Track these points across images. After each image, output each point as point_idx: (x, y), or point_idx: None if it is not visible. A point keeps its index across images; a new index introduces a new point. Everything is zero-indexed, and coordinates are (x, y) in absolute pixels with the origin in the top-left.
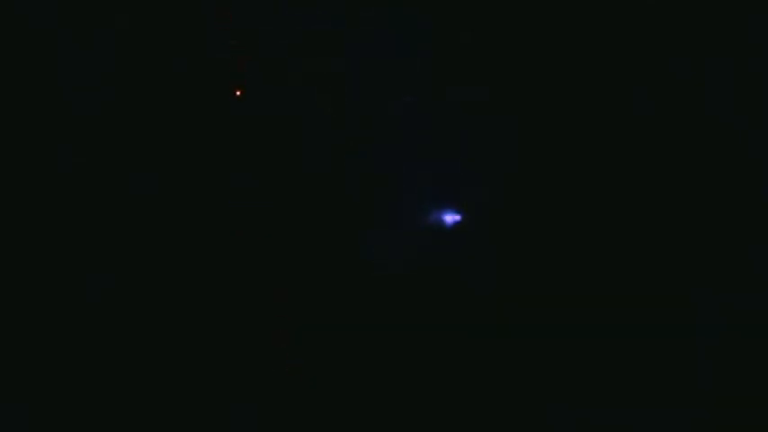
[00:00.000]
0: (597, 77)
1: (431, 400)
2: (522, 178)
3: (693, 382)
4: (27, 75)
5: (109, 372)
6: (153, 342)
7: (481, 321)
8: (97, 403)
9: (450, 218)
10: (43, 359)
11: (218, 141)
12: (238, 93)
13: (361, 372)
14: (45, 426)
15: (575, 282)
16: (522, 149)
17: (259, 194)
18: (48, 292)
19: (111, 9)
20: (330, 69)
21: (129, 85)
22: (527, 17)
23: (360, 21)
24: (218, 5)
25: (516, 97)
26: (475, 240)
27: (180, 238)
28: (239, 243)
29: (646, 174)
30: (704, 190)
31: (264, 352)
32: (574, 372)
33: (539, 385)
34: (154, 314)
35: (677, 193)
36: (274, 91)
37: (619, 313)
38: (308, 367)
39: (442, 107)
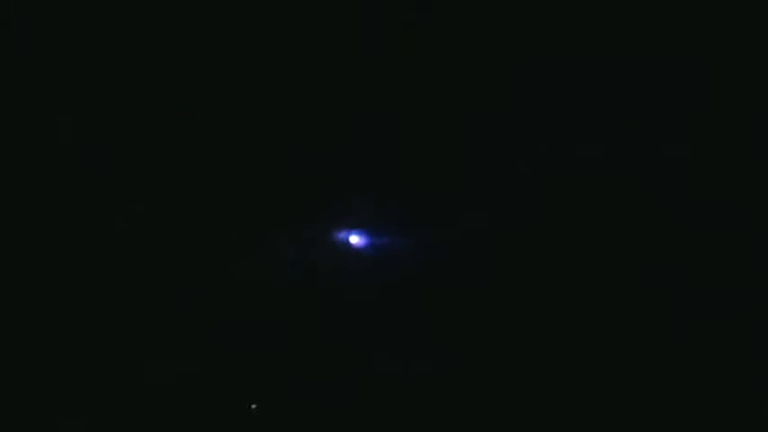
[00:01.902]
0: (597, 77)
1: (430, 400)
2: (522, 177)
3: (694, 382)
4: (27, 75)
5: (108, 371)
6: (153, 342)
7: (481, 321)
8: (97, 403)
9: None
10: (43, 359)
11: (218, 141)
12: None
13: (360, 372)
14: (45, 426)
15: (575, 281)
16: (522, 149)
17: (259, 194)
18: (48, 292)
19: (111, 9)
20: (330, 69)
21: (129, 85)
22: (527, 17)
23: (360, 21)
24: (218, 6)
25: (516, 97)
26: (475, 240)
27: (179, 237)
28: (239, 243)
29: (646, 174)
30: (704, 190)
31: (264, 353)
32: (574, 372)
33: (539, 385)
34: (153, 314)
35: (677, 193)
36: (274, 91)
37: (619, 313)
38: (308, 367)
39: (442, 107)
